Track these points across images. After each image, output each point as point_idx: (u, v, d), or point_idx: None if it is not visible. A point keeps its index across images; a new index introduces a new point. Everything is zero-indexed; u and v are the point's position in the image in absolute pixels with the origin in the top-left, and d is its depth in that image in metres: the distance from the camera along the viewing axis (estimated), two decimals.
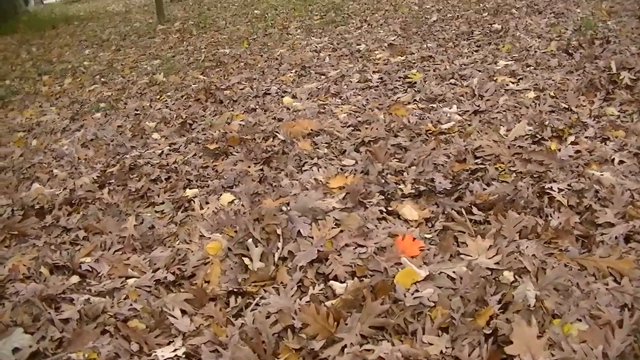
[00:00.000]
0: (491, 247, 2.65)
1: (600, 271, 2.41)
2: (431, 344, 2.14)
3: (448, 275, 2.50)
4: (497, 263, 2.53)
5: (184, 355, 2.26)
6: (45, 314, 2.55)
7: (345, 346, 2.17)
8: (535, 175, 3.31)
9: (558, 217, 2.84)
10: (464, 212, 2.97)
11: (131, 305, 2.60)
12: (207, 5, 18.68)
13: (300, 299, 2.47)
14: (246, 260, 2.80)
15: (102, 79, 8.50)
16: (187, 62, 8.92)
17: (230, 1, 18.86)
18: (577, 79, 4.97)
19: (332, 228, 2.97)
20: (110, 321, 2.50)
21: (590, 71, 5.08)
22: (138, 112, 6.18)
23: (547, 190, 3.09)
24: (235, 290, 2.62)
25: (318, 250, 2.76)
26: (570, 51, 5.97)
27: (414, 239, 2.79)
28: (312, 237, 2.91)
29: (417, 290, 2.41)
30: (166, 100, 6.52)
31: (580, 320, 2.13)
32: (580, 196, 3.00)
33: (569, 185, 3.12)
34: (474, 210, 2.99)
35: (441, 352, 2.10)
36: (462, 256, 2.65)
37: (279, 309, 2.41)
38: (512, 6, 9.67)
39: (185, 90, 6.87)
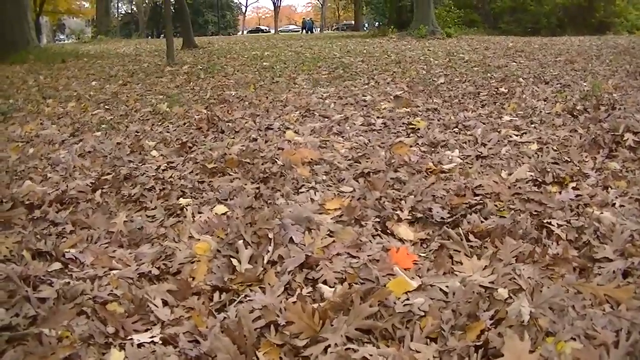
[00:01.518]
0: (487, 267, 2.59)
1: (597, 298, 2.34)
2: (418, 352, 2.05)
3: (440, 289, 2.43)
4: (492, 282, 2.46)
5: (160, 342, 2.18)
6: (22, 292, 2.47)
7: (329, 346, 2.09)
8: (534, 213, 3.26)
9: (556, 248, 2.78)
10: (461, 233, 2.91)
11: (112, 291, 2.52)
12: (217, 54, 18.92)
13: (287, 299, 2.40)
14: (234, 261, 2.73)
15: (106, 107, 8.49)
16: (192, 98, 8.95)
17: (239, 53, 19.12)
18: (581, 137, 4.96)
19: (325, 238, 2.91)
20: (88, 303, 2.42)
21: (594, 131, 5.07)
22: (138, 133, 6.15)
23: (546, 225, 3.04)
24: (220, 287, 2.55)
25: (307, 255, 2.70)
26: (575, 114, 6.01)
27: (408, 253, 2.74)
28: (304, 245, 2.85)
29: (407, 299, 2.34)
30: (168, 126, 6.50)
31: (574, 339, 2.05)
32: (579, 232, 2.95)
33: (568, 221, 3.07)
34: (471, 237, 2.93)
35: None
36: (456, 273, 2.58)
37: (263, 305, 2.33)
38: (519, 76, 9.78)
39: (188, 119, 6.87)
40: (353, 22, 58.59)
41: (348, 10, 71.15)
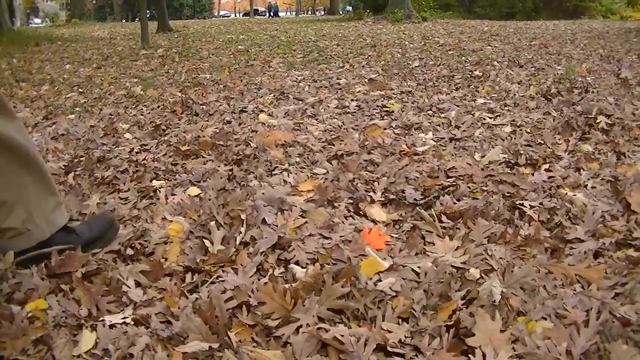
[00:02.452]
0: (459, 247, 2.60)
1: (568, 278, 2.35)
2: (390, 332, 2.05)
3: (412, 269, 2.43)
4: (464, 263, 2.47)
5: (132, 323, 2.17)
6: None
7: (301, 326, 2.08)
8: (507, 195, 3.28)
9: (528, 229, 2.80)
10: (434, 214, 2.93)
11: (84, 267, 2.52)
12: (192, 38, 18.84)
13: (259, 280, 2.40)
14: (207, 243, 2.72)
15: (80, 90, 8.41)
16: (167, 81, 8.90)
17: (214, 37, 19.04)
18: (554, 120, 4.99)
19: (298, 219, 2.91)
20: (64, 279, 2.42)
21: (567, 114, 5.10)
22: (112, 116, 6.10)
23: (519, 206, 3.06)
24: (192, 268, 2.54)
25: (279, 236, 2.70)
26: (549, 97, 6.05)
27: (380, 233, 2.74)
28: (277, 226, 2.85)
29: (379, 280, 2.35)
30: (142, 109, 6.46)
31: (545, 319, 2.06)
32: (551, 213, 2.97)
33: (540, 203, 3.09)
34: (443, 218, 2.94)
35: (400, 340, 2.01)
36: (428, 253, 2.59)
37: (235, 286, 2.33)
38: (494, 60, 9.82)
39: (162, 102, 6.83)
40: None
41: None
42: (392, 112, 5.63)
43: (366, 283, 2.30)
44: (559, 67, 8.60)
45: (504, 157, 3.93)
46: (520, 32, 17.77)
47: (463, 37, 15.93)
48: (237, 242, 2.71)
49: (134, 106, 6.74)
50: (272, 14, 59.77)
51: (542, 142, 4.31)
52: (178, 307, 2.24)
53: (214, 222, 2.85)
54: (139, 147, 4.66)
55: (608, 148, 4.16)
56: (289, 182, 3.53)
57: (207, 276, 2.48)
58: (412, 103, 6.05)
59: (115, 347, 2.00)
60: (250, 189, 3.39)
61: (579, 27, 19.50)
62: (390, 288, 2.28)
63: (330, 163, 3.97)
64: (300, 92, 7.08)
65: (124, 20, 52.31)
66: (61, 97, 7.76)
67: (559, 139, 4.42)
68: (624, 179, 3.38)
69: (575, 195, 3.15)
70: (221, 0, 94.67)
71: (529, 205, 3.06)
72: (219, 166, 3.95)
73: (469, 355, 1.88)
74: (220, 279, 2.43)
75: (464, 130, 4.77)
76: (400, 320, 2.13)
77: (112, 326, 2.13)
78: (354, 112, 5.73)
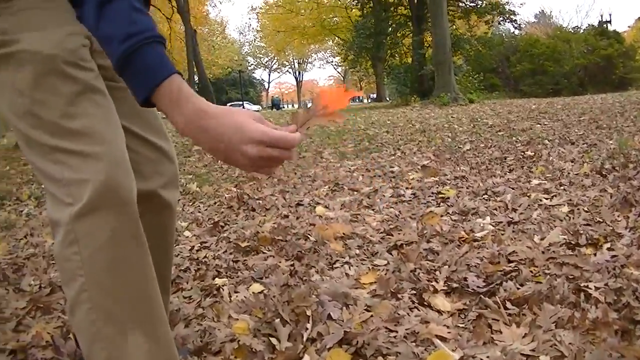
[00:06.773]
0: (526, 334, 2.58)
1: None
2: None
3: (482, 359, 2.42)
4: (533, 350, 2.45)
5: None
6: None
7: None
8: (570, 277, 3.25)
9: (595, 311, 2.76)
10: (498, 301, 2.91)
11: None
12: None
13: None
14: (273, 341, 2.74)
15: None
16: (221, 176, 9.04)
17: None
18: (611, 196, 4.96)
19: (363, 313, 2.92)
20: None
21: (624, 190, 5.06)
22: None
23: (583, 288, 3.03)
24: None
25: (346, 331, 2.70)
26: (604, 173, 6.01)
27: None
28: (343, 320, 2.86)
29: None
30: (199, 206, 6.56)
31: None
32: (617, 294, 2.93)
33: (605, 284, 3.05)
34: (508, 305, 2.93)
35: None
36: (496, 342, 2.58)
37: None
38: (545, 138, 9.81)
39: (218, 198, 6.94)
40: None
41: (370, 82, 72.00)
42: (448, 198, 5.65)
43: None
44: (610, 142, 8.57)
45: (564, 238, 3.90)
46: (568, 108, 17.77)
47: (511, 117, 15.97)
48: (304, 339, 2.72)
49: (190, 203, 6.85)
50: (275, 107, 67.40)
51: (601, 221, 4.27)
52: None
53: (279, 319, 2.87)
54: (199, 244, 4.73)
55: None
56: (351, 275, 3.55)
57: None
58: (467, 188, 6.07)
59: None
60: (313, 283, 3.41)
61: (627, 99, 19.43)
62: None
63: (390, 254, 3.98)
64: (354, 183, 7.15)
65: None
66: None
67: (618, 216, 4.39)
68: None
69: None
70: (269, 93, 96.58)
71: (594, 286, 3.03)
72: (280, 262, 3.99)
73: None
74: None
75: (521, 213, 4.76)
76: None
77: None
78: (410, 200, 5.76)
